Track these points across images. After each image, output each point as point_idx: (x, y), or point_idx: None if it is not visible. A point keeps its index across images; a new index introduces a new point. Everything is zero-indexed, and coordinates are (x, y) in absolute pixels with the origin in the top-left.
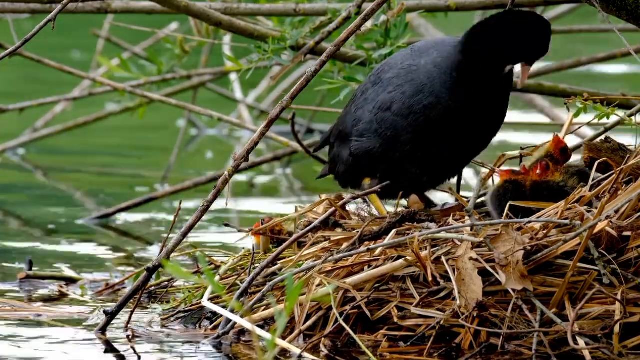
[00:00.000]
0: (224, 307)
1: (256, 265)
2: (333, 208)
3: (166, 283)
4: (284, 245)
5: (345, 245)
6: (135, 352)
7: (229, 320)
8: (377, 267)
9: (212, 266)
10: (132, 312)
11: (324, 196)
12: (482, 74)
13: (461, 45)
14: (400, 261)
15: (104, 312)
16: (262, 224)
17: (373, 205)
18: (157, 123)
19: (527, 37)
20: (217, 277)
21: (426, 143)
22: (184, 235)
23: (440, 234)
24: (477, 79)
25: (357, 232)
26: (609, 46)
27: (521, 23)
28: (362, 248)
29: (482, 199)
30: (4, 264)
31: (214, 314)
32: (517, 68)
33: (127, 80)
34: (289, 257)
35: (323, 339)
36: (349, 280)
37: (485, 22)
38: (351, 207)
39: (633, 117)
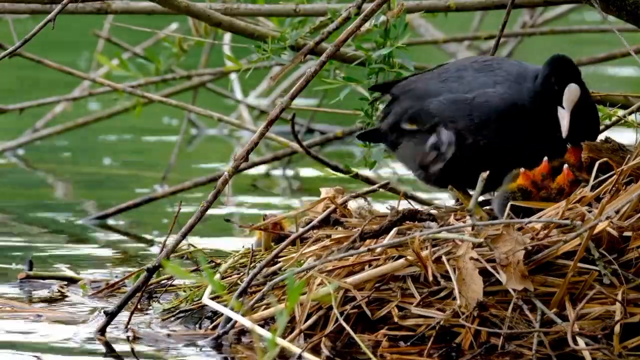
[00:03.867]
0: (224, 306)
1: (256, 264)
2: (333, 206)
3: (165, 282)
4: (283, 244)
5: (345, 243)
6: (135, 352)
7: (228, 320)
8: (377, 266)
9: (212, 264)
10: (132, 312)
11: (323, 192)
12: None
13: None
14: (401, 261)
15: (104, 312)
16: (264, 217)
17: (459, 197)
18: (157, 123)
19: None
20: (218, 276)
21: (503, 144)
22: (184, 235)
23: (440, 234)
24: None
25: (358, 230)
26: (609, 46)
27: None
28: (363, 248)
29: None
30: (4, 264)
31: (214, 313)
32: None
33: (127, 79)
34: (290, 255)
35: (323, 338)
36: (350, 279)
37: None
38: (352, 206)
39: (633, 116)
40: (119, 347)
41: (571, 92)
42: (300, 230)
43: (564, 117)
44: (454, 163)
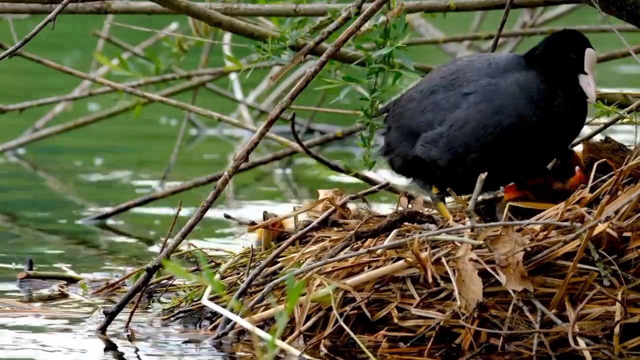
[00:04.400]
0: (224, 307)
1: (256, 264)
2: (332, 207)
3: (166, 281)
4: (282, 246)
5: (341, 241)
6: (135, 352)
7: (228, 321)
8: (377, 268)
9: (212, 263)
10: (132, 312)
11: (321, 194)
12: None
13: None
14: (401, 262)
15: (104, 312)
16: (264, 215)
17: (440, 212)
18: (157, 123)
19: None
20: (217, 276)
21: (495, 160)
22: (184, 235)
23: (440, 236)
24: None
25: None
26: (609, 46)
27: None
28: (362, 250)
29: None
30: (4, 264)
31: (214, 313)
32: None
33: (126, 79)
34: (290, 255)
35: (323, 339)
36: (349, 281)
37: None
38: (351, 207)
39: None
40: (119, 347)
41: (591, 56)
42: (299, 232)
43: (589, 82)
44: (457, 184)
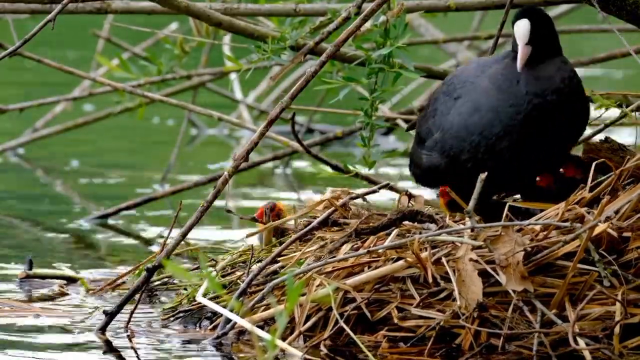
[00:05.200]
0: (224, 306)
1: (257, 259)
2: (333, 207)
3: (166, 281)
4: (281, 247)
5: (340, 237)
6: (135, 352)
7: (228, 320)
8: (377, 268)
9: (213, 261)
10: (132, 312)
11: (328, 191)
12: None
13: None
14: (401, 262)
15: (104, 312)
16: (266, 212)
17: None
18: (158, 123)
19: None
20: (217, 268)
21: (488, 159)
22: (184, 235)
23: (440, 236)
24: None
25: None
26: (609, 46)
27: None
28: (363, 250)
29: None
30: (4, 264)
31: (214, 313)
32: None
33: (127, 80)
34: (290, 255)
35: (323, 340)
36: (349, 281)
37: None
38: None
39: (633, 113)
40: (119, 347)
41: (519, 27)
42: (300, 232)
43: (520, 52)
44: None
